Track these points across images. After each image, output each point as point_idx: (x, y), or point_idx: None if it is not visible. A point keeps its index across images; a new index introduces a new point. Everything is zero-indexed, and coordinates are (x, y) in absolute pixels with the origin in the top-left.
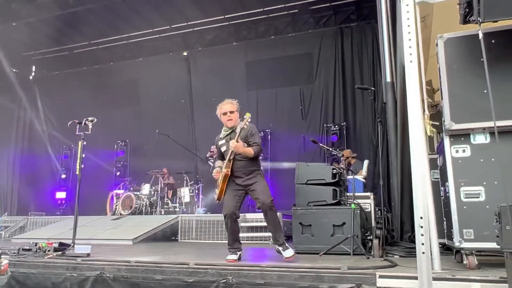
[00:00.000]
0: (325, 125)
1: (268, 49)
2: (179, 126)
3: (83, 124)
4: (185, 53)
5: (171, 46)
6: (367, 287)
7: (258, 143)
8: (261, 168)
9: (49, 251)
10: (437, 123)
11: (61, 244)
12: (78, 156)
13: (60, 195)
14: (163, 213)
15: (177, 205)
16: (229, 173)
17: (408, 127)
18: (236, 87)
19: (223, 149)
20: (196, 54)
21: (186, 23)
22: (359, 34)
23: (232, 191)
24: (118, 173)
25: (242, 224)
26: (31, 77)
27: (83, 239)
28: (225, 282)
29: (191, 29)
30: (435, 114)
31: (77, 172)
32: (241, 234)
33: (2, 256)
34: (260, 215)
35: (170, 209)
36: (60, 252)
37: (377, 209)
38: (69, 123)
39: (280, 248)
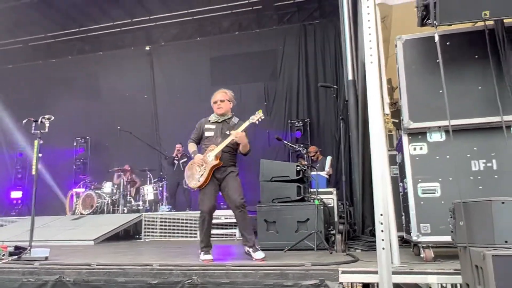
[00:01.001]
0: (289, 121)
1: (232, 45)
2: (142, 122)
3: (39, 122)
4: (147, 48)
5: (133, 40)
6: (330, 283)
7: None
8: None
9: (3, 255)
10: (397, 121)
11: (16, 247)
12: (34, 156)
13: (16, 194)
14: (126, 211)
15: (141, 203)
16: (220, 164)
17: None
18: (201, 83)
19: (208, 133)
20: (159, 49)
21: (148, 17)
22: (322, 31)
23: (211, 184)
24: (78, 171)
25: None
26: None
27: (41, 240)
28: (190, 282)
29: (154, 23)
30: (395, 111)
31: (33, 172)
32: None
33: None
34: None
35: (133, 207)
36: (16, 256)
37: (339, 204)
38: (24, 122)
39: (250, 250)
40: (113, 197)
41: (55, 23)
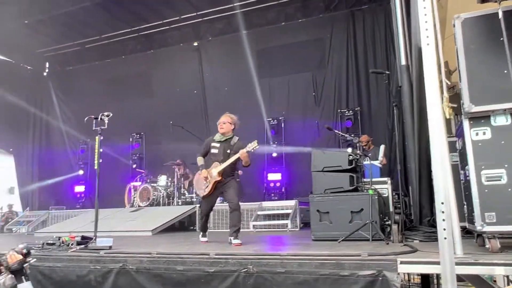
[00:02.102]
0: (339, 110)
1: (278, 36)
2: (193, 117)
3: (99, 119)
4: (195, 44)
5: (181, 37)
6: (388, 273)
7: None
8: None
9: (72, 244)
10: (455, 105)
11: (83, 237)
12: (96, 151)
13: (79, 189)
14: (180, 203)
15: (194, 195)
16: (221, 180)
17: (425, 110)
18: (248, 76)
19: (213, 150)
20: (206, 44)
21: (195, 13)
22: (371, 16)
23: (213, 194)
24: (134, 166)
25: (258, 213)
26: (45, 74)
27: (104, 231)
28: (246, 271)
29: (201, 19)
30: (453, 96)
31: (96, 167)
32: (257, 222)
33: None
34: (276, 203)
35: (187, 200)
36: (83, 246)
37: (394, 194)
38: (85, 119)
39: (231, 238)
40: (168, 190)
41: (108, 25)
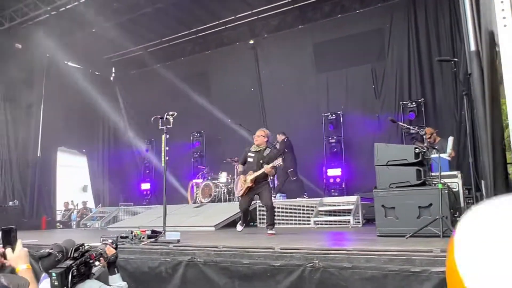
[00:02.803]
0: (400, 102)
1: (335, 29)
2: (251, 114)
3: (164, 119)
4: (251, 42)
5: (237, 35)
6: None
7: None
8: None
9: (143, 238)
10: None
11: (153, 231)
12: (162, 149)
13: (145, 186)
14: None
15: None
16: (253, 186)
17: (498, 98)
18: (305, 71)
19: (249, 159)
20: (262, 41)
21: (250, 11)
22: (434, 2)
23: (247, 195)
24: (196, 163)
25: (319, 209)
26: (111, 78)
27: (170, 226)
28: (311, 265)
29: (256, 17)
30: None
31: (163, 164)
32: (318, 218)
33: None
34: (337, 199)
35: None
36: (153, 239)
37: (465, 189)
38: (152, 119)
39: (268, 229)
40: (229, 186)
41: (167, 29)
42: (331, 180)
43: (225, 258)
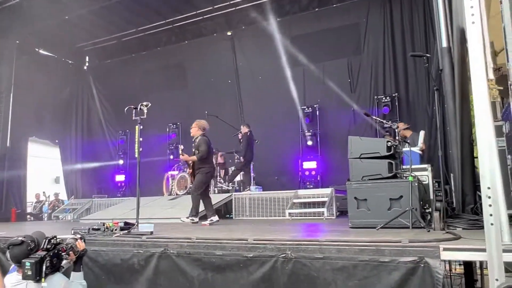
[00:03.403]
0: (375, 97)
1: (312, 22)
2: (228, 106)
3: (138, 109)
4: (229, 33)
5: (214, 27)
6: (430, 260)
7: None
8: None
9: (115, 230)
10: (501, 88)
11: (126, 223)
12: (136, 140)
13: (119, 178)
14: (216, 192)
15: (230, 184)
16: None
17: (467, 94)
18: (282, 64)
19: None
20: (240, 33)
21: (228, 3)
22: None
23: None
24: (171, 156)
25: (294, 201)
26: (85, 67)
27: (144, 218)
28: (284, 256)
29: (234, 8)
30: (498, 78)
31: (136, 155)
32: (293, 210)
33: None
34: (312, 191)
35: (224, 188)
36: (126, 231)
37: (435, 182)
38: (125, 109)
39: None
40: None
41: (144, 18)
42: (307, 173)
43: (198, 250)
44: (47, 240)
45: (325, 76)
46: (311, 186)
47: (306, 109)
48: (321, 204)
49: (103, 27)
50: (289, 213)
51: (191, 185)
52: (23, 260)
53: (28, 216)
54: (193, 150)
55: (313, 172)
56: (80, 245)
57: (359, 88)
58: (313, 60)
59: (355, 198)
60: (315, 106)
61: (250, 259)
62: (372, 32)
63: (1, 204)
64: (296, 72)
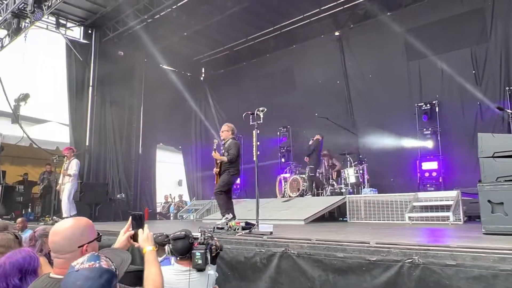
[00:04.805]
0: (507, 88)
1: (428, 13)
2: (337, 107)
3: (255, 115)
4: (336, 33)
5: (322, 28)
6: None
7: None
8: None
9: (238, 229)
10: None
11: (247, 223)
12: (254, 144)
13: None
14: (329, 194)
15: (343, 186)
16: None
17: None
18: (394, 60)
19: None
20: (348, 32)
21: (335, 2)
22: None
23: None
24: (283, 159)
25: (414, 204)
26: (201, 78)
27: (260, 219)
28: (410, 261)
29: (341, 7)
30: None
31: (254, 159)
32: (413, 214)
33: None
34: (435, 194)
35: (336, 190)
36: (247, 230)
37: None
38: (243, 115)
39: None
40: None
41: (253, 27)
42: (426, 174)
43: (319, 251)
44: (203, 236)
45: (444, 69)
46: (432, 189)
47: (424, 105)
48: (445, 208)
49: (216, 40)
50: (409, 217)
51: (219, 185)
52: (193, 251)
53: (158, 215)
54: (222, 151)
55: (434, 173)
56: (217, 244)
57: (486, 79)
58: (430, 53)
59: (489, 201)
60: (433, 102)
61: (373, 263)
62: (501, 17)
63: (136, 204)
64: (411, 67)
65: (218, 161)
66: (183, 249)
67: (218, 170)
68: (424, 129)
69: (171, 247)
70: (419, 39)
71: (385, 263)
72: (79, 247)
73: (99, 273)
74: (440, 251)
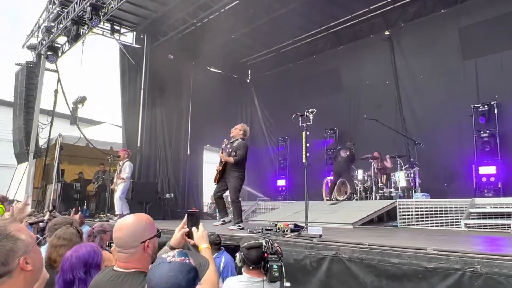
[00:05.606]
0: None
1: (485, 8)
2: (386, 109)
3: (304, 116)
4: (387, 33)
5: (371, 28)
6: None
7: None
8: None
9: (286, 231)
10: None
11: (295, 225)
12: (303, 145)
13: (281, 182)
14: (378, 198)
15: (393, 190)
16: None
17: None
18: (448, 59)
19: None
20: (398, 31)
21: (386, 1)
22: None
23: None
24: (329, 161)
25: (471, 210)
26: (247, 80)
27: (308, 222)
28: (472, 271)
29: (392, 6)
30: None
31: (304, 160)
32: (469, 221)
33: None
34: (494, 200)
35: (386, 194)
36: (296, 233)
37: None
38: (293, 116)
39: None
40: (365, 184)
41: (300, 28)
42: (484, 179)
43: (372, 256)
44: (271, 246)
45: (504, 67)
46: (490, 195)
47: (481, 107)
48: (506, 215)
49: (262, 42)
50: (465, 224)
51: (234, 193)
52: (270, 263)
53: (205, 215)
54: (230, 150)
55: (492, 179)
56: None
57: None
58: (488, 51)
59: None
60: (492, 103)
61: (430, 271)
62: None
63: (184, 203)
64: (466, 66)
65: (223, 161)
66: (257, 259)
67: (221, 168)
68: (482, 132)
69: (243, 255)
70: (476, 36)
71: (444, 271)
72: (141, 242)
73: (189, 269)
74: (505, 261)
